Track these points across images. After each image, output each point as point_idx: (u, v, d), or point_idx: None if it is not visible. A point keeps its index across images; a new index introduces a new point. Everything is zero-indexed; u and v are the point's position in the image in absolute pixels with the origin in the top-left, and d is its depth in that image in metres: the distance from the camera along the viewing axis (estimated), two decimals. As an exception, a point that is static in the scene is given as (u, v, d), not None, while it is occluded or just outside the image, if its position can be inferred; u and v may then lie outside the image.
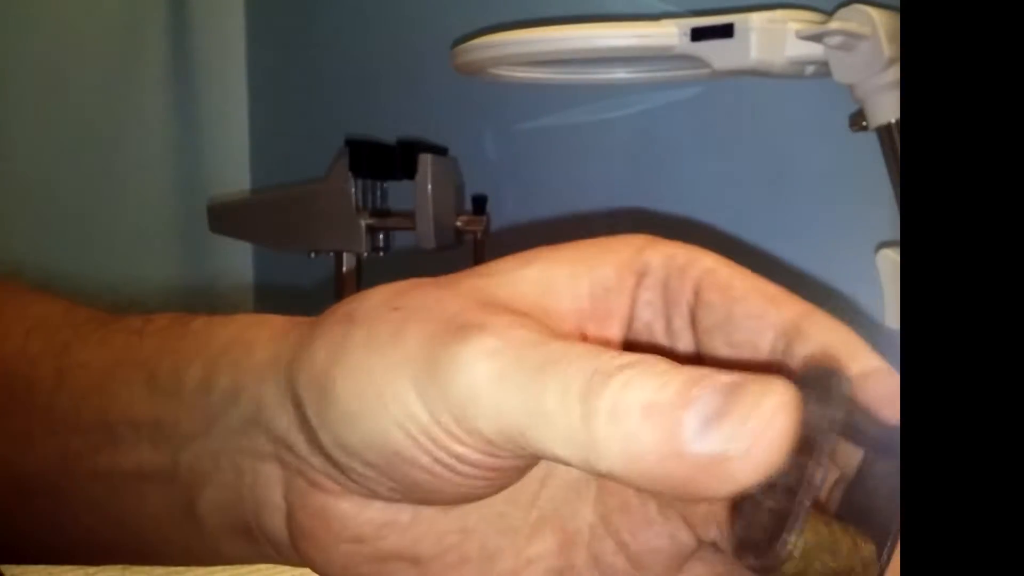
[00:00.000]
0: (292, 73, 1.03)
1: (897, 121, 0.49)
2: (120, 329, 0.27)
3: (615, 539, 0.23)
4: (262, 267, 1.07)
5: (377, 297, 0.22)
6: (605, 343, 0.23)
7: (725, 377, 0.18)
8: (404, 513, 0.23)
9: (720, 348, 0.23)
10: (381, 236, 0.83)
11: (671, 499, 0.20)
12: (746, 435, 0.17)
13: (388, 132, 0.87)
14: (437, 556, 0.23)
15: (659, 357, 0.19)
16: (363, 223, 0.81)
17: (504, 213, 0.80)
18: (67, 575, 0.52)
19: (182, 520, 0.25)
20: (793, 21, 0.51)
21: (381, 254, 0.83)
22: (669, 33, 0.52)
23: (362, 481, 0.22)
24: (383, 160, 0.81)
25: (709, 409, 0.17)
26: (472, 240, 0.78)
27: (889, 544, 0.19)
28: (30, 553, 0.30)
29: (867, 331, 0.67)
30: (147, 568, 0.30)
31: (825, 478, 0.18)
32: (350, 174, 0.80)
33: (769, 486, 0.18)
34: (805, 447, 0.17)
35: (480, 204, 0.78)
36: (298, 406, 0.22)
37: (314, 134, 0.99)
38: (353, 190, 0.81)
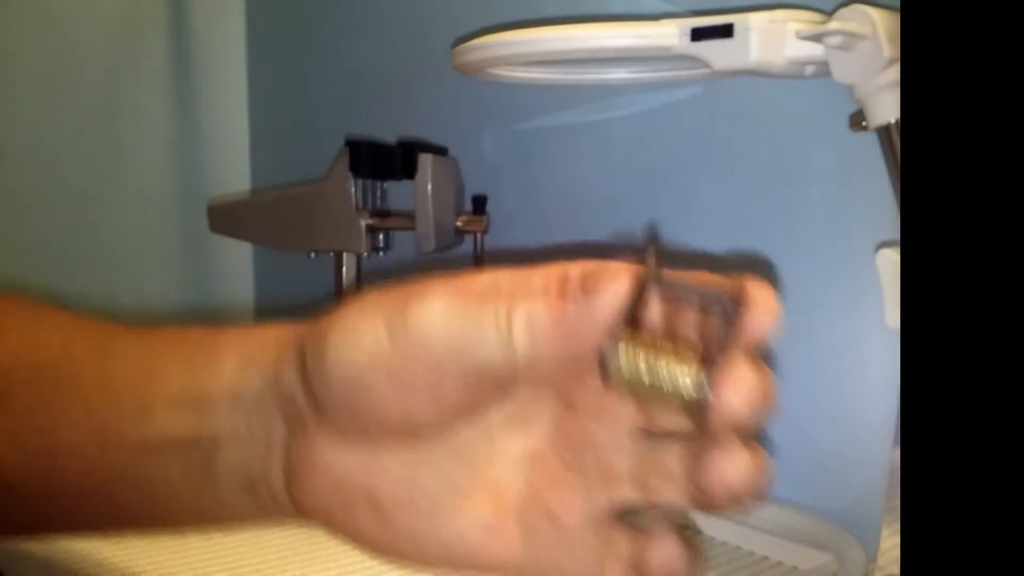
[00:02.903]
0: (292, 73, 1.03)
1: (897, 121, 0.49)
2: (160, 333, 0.33)
3: (541, 504, 0.29)
4: (262, 267, 1.07)
5: (370, 293, 0.29)
6: None
7: (581, 267, 0.27)
8: (367, 459, 0.29)
9: None
10: (381, 236, 0.83)
11: (571, 354, 0.26)
12: (598, 280, 0.26)
13: (388, 132, 0.87)
14: (392, 499, 0.29)
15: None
16: (363, 223, 0.81)
17: (504, 213, 0.80)
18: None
19: (197, 481, 0.31)
20: (793, 21, 0.51)
21: (381, 254, 0.84)
22: (669, 33, 0.52)
23: (334, 413, 0.28)
24: (383, 160, 0.81)
25: (576, 284, 0.26)
26: (472, 240, 0.78)
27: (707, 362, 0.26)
28: (56, 521, 0.35)
29: (867, 331, 0.67)
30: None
31: (641, 305, 0.26)
32: (350, 174, 0.80)
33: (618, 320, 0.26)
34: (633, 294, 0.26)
35: (480, 204, 0.78)
36: (302, 361, 0.29)
37: (314, 134, 0.99)
38: (353, 190, 0.81)
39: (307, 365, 0.29)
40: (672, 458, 0.28)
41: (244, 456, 0.31)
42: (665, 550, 0.28)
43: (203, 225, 0.96)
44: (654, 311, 0.28)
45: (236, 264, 1.06)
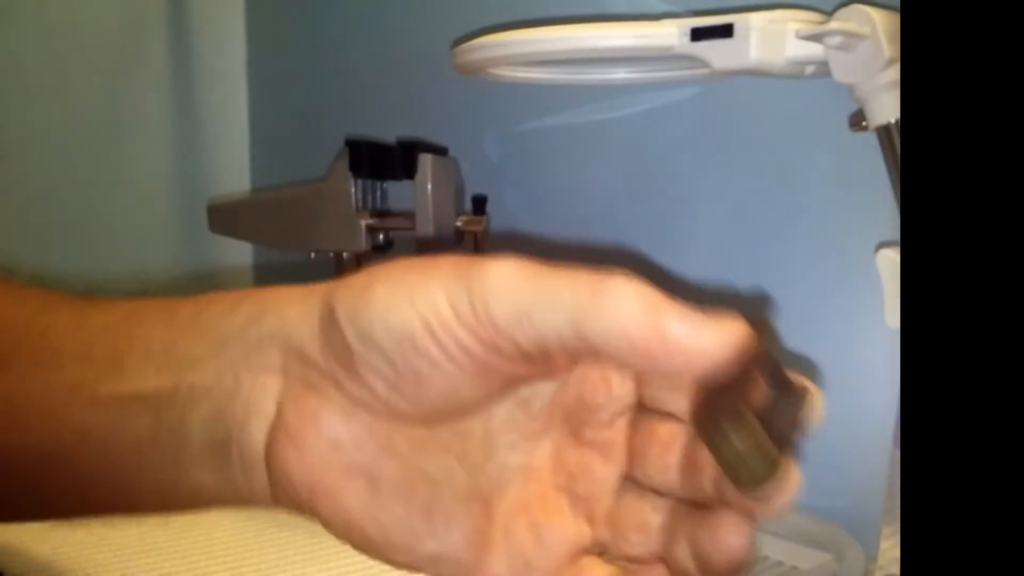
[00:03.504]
0: (292, 73, 1.03)
1: (897, 121, 0.49)
2: (143, 298, 0.31)
3: (529, 519, 0.29)
4: (262, 267, 1.07)
5: (404, 257, 0.27)
6: None
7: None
8: (380, 432, 0.27)
9: None
10: (381, 236, 0.83)
11: (638, 367, 0.26)
12: (714, 332, 0.24)
13: (388, 132, 0.87)
14: (392, 482, 0.27)
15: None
16: (363, 223, 0.81)
17: (504, 214, 0.80)
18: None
19: (165, 442, 0.28)
20: (793, 21, 0.51)
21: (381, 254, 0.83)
22: (669, 33, 0.52)
23: (367, 373, 0.26)
24: (383, 160, 0.80)
25: (691, 313, 0.24)
26: (472, 240, 0.78)
27: (783, 455, 0.25)
28: (12, 498, 0.32)
29: (867, 331, 0.67)
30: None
31: (757, 387, 0.24)
32: (350, 174, 0.80)
33: (724, 390, 0.24)
34: (750, 364, 0.25)
35: (480, 204, 0.78)
36: (327, 315, 0.27)
37: (314, 134, 0.99)
38: (353, 190, 0.80)
39: (338, 319, 0.26)
40: (653, 515, 0.28)
41: (222, 410, 0.28)
42: None
43: (203, 225, 0.96)
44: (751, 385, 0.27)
45: (236, 264, 1.06)
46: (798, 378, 0.26)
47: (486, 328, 0.25)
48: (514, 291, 0.25)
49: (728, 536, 0.26)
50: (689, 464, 0.27)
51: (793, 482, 0.25)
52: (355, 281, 0.27)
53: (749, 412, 0.24)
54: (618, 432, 0.29)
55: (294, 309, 0.28)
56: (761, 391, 0.25)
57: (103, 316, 0.31)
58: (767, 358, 0.25)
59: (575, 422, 0.29)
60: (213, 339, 0.28)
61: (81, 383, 0.29)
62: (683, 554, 0.27)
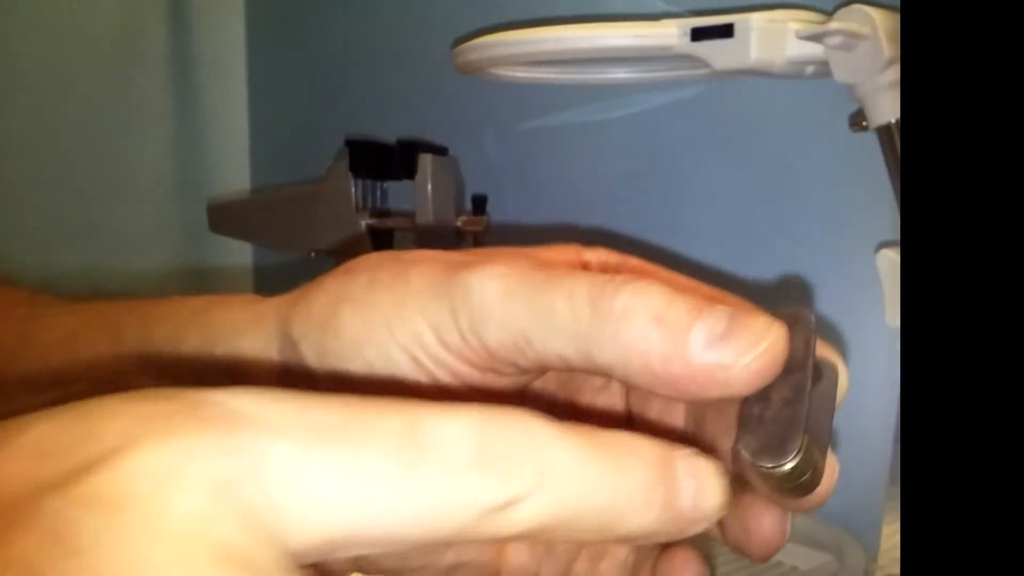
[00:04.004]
0: (292, 73, 1.03)
1: (897, 121, 0.49)
2: (88, 302, 0.28)
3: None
4: (262, 268, 1.07)
5: (371, 257, 0.24)
6: None
7: (725, 306, 0.21)
8: None
9: None
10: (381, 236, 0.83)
11: (662, 394, 0.22)
12: (747, 352, 0.20)
13: (388, 132, 0.87)
14: None
15: (660, 283, 0.21)
16: (363, 223, 0.81)
17: (504, 213, 0.80)
18: None
19: None
20: (793, 21, 0.51)
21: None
22: (669, 33, 0.52)
23: None
24: (383, 160, 0.80)
25: (716, 328, 0.20)
26: (472, 240, 0.78)
27: (825, 453, 0.22)
28: None
29: (867, 331, 0.67)
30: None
31: (809, 392, 0.21)
32: (350, 174, 0.80)
33: (766, 399, 0.21)
34: (790, 367, 0.21)
35: (480, 204, 0.78)
36: (287, 349, 0.23)
37: (314, 134, 0.99)
38: (353, 190, 0.80)
39: (304, 355, 0.23)
40: None
41: None
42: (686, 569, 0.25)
43: (203, 225, 0.96)
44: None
45: (236, 264, 1.06)
46: (826, 358, 0.24)
47: (479, 354, 0.22)
48: (505, 311, 0.21)
49: (760, 525, 0.24)
50: (697, 431, 0.26)
51: (834, 477, 0.22)
52: (315, 307, 0.23)
53: (799, 431, 0.21)
54: (616, 396, 0.27)
55: (247, 340, 0.25)
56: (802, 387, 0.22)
57: (47, 334, 0.28)
58: (809, 356, 0.22)
59: (571, 389, 0.27)
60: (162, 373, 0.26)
61: (28, 411, 0.27)
62: None
